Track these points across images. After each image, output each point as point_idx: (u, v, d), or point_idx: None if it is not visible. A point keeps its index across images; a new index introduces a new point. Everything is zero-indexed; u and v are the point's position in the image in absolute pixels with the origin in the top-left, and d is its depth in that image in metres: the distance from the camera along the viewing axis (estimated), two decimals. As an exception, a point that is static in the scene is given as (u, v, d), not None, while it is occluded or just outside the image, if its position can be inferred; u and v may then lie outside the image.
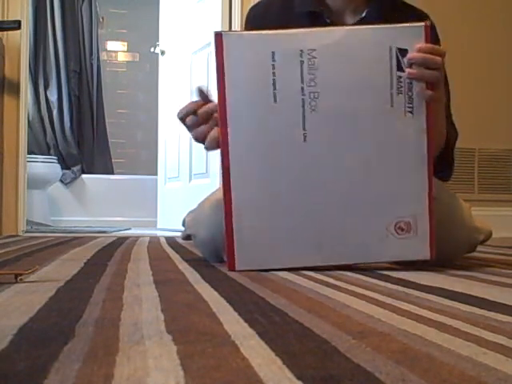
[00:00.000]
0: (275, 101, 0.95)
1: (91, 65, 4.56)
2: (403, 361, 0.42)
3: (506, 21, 2.91)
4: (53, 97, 4.30)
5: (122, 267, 1.07)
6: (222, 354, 0.43)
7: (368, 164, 0.98)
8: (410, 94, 0.96)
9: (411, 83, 0.96)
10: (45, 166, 3.88)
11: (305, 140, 0.96)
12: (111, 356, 0.42)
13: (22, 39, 2.69)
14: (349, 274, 1.00)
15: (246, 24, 1.33)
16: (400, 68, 0.96)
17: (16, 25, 2.53)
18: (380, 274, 0.99)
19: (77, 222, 4.11)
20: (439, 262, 1.15)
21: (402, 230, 0.98)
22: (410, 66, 0.96)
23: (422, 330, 0.52)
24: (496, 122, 2.86)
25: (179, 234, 2.21)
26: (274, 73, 0.95)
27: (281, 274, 0.98)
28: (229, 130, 0.96)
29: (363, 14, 1.24)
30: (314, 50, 0.95)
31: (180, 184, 3.32)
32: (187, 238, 1.34)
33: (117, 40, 5.13)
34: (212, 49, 1.01)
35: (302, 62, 0.95)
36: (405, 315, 0.60)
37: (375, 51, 0.96)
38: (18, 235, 2.50)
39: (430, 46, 0.97)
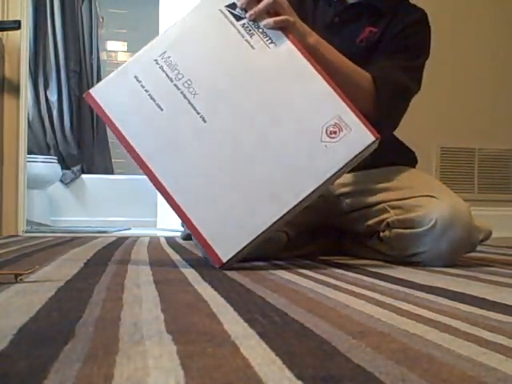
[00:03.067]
0: (162, 109, 1.03)
1: (91, 65, 4.55)
2: (403, 361, 0.42)
3: (506, 20, 2.91)
4: (53, 97, 4.30)
5: (122, 267, 1.07)
6: (221, 354, 0.43)
7: (268, 104, 1.04)
8: (260, 30, 1.05)
9: (255, 22, 1.05)
10: (45, 166, 3.88)
11: (204, 121, 1.03)
12: (111, 356, 0.42)
13: (22, 39, 2.68)
14: (349, 273, 1.00)
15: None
16: (239, 18, 1.06)
17: (16, 25, 2.53)
18: (380, 274, 0.99)
19: (77, 222, 4.10)
20: (439, 261, 1.15)
21: (335, 132, 1.02)
22: (246, 11, 1.05)
23: (422, 330, 0.52)
24: (496, 122, 2.86)
25: (179, 233, 2.22)
26: (146, 90, 1.04)
27: (281, 273, 0.98)
28: (143, 157, 1.03)
29: None
30: (165, 52, 1.05)
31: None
32: (187, 237, 1.34)
33: (117, 40, 5.13)
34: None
35: (161, 67, 1.04)
36: (405, 315, 0.60)
37: (211, 21, 1.06)
38: (18, 235, 2.50)
39: None
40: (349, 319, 0.58)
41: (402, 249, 1.19)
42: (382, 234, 1.24)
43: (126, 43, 5.14)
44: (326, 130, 1.02)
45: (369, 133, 1.03)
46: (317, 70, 1.04)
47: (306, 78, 1.04)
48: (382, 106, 1.21)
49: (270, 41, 1.05)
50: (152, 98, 1.03)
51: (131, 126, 1.04)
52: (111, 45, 5.13)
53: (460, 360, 0.42)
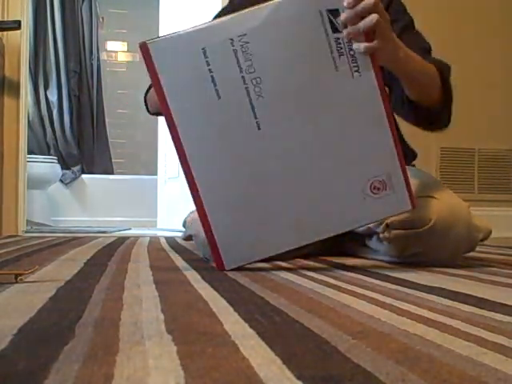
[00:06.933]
0: (219, 97, 0.93)
1: (91, 65, 4.56)
2: (403, 361, 0.42)
3: (505, 20, 2.91)
4: (53, 97, 4.30)
5: (122, 267, 1.07)
6: (221, 354, 0.43)
7: (328, 134, 0.96)
8: (351, 53, 0.93)
9: (351, 42, 0.93)
10: (45, 166, 3.88)
11: (259, 128, 0.94)
12: (111, 356, 0.42)
13: (22, 39, 2.68)
14: (349, 274, 1.00)
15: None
16: (335, 29, 0.92)
17: (16, 25, 2.53)
18: (380, 274, 0.99)
19: (77, 222, 4.11)
20: (439, 261, 1.15)
21: (378, 189, 0.97)
22: (346, 25, 0.92)
23: (422, 330, 0.52)
24: (496, 122, 2.86)
25: (179, 234, 2.21)
26: (210, 69, 0.91)
27: (281, 273, 0.98)
28: (181, 136, 0.95)
29: None
30: (245, 34, 0.91)
31: (180, 184, 3.32)
32: (188, 238, 1.34)
33: (117, 40, 5.12)
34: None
35: (235, 51, 0.91)
36: (405, 315, 0.60)
37: (305, 20, 0.92)
38: (18, 235, 2.50)
39: None
40: (349, 319, 0.58)
41: (402, 249, 1.19)
42: (381, 235, 1.24)
43: (126, 43, 5.14)
44: (371, 184, 0.97)
45: (408, 201, 0.99)
46: (389, 120, 0.96)
47: (375, 123, 0.96)
48: (451, 92, 1.23)
49: (356, 68, 0.93)
50: (213, 81, 0.92)
51: (180, 100, 0.93)
52: (111, 45, 5.12)
53: (460, 360, 0.42)
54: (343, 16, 0.92)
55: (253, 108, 0.93)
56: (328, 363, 0.41)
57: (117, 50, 5.15)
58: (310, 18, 0.92)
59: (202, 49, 0.91)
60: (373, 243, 1.30)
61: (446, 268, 1.12)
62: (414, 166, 1.43)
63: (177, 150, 0.95)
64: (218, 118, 0.94)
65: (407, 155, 1.41)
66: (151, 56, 0.92)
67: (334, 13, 0.92)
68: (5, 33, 2.61)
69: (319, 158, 0.97)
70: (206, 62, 0.91)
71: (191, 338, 0.49)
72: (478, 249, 1.23)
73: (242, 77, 0.92)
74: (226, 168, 0.97)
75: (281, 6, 0.92)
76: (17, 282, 0.83)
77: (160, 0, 3.60)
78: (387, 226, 1.21)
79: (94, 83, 4.56)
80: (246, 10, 0.93)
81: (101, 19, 4.80)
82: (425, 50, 1.27)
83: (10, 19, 2.61)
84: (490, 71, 2.87)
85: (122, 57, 5.15)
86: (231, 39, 0.91)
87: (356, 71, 0.93)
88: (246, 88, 0.93)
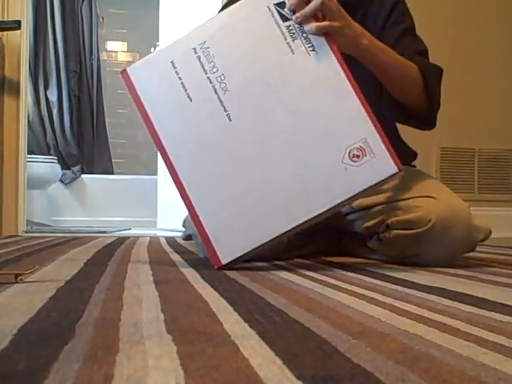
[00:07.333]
0: (191, 100, 1.02)
1: (91, 65, 4.55)
2: (403, 361, 0.42)
3: (505, 20, 2.91)
4: (53, 97, 4.30)
5: (122, 267, 1.07)
6: (221, 354, 0.43)
7: (297, 113, 1.01)
8: (304, 35, 1.02)
9: (301, 26, 1.02)
10: (45, 166, 3.88)
11: (230, 119, 1.01)
12: (111, 356, 0.42)
13: (22, 39, 2.68)
14: (349, 274, 1.00)
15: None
16: (285, 19, 1.02)
17: (16, 25, 2.53)
18: (380, 274, 0.99)
19: (77, 222, 4.10)
20: (439, 261, 1.15)
21: (358, 156, 0.98)
22: (294, 12, 1.02)
23: (422, 330, 0.52)
24: (496, 122, 2.86)
25: (179, 234, 2.22)
26: (179, 77, 1.03)
27: (280, 273, 0.98)
28: (163, 141, 1.03)
29: None
30: (205, 42, 1.03)
31: (180, 184, 3.32)
32: (188, 238, 1.34)
33: (117, 40, 5.13)
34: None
35: (198, 57, 1.03)
36: (405, 315, 0.60)
37: (257, 17, 1.03)
38: (18, 235, 2.50)
39: None
40: (349, 319, 0.58)
41: (402, 249, 1.19)
42: (381, 235, 1.24)
43: (126, 43, 5.15)
44: (350, 152, 0.98)
45: (393, 163, 0.98)
46: (353, 86, 1.00)
47: (340, 93, 1.00)
48: (434, 93, 1.22)
49: (311, 48, 1.01)
50: (184, 87, 1.02)
51: (159, 111, 1.04)
52: (111, 45, 5.13)
53: (460, 360, 0.42)
54: (290, 4, 1.01)
55: (221, 102, 1.02)
56: (328, 363, 0.41)
57: (117, 50, 5.15)
58: (260, 14, 1.03)
59: (171, 62, 1.03)
60: (373, 244, 1.30)
61: (446, 268, 1.12)
62: (414, 166, 1.43)
63: (161, 153, 1.04)
64: (193, 119, 1.03)
65: (407, 155, 1.41)
66: (131, 80, 1.05)
67: (281, 5, 1.03)
68: (5, 33, 2.61)
69: (293, 137, 1.01)
70: (176, 72, 1.03)
71: (191, 337, 0.49)
72: (478, 249, 1.22)
73: (208, 77, 1.02)
74: (208, 163, 1.02)
75: (232, 11, 1.05)
76: (17, 282, 0.83)
77: (160, 0, 3.60)
78: (387, 226, 1.21)
79: (94, 83, 4.56)
80: (204, 21, 1.05)
81: (101, 19, 4.80)
82: (418, 52, 1.26)
83: (10, 19, 2.60)
84: (489, 71, 2.87)
85: (122, 57, 5.15)
86: (194, 48, 1.03)
87: (312, 50, 1.01)
88: (213, 86, 1.02)
